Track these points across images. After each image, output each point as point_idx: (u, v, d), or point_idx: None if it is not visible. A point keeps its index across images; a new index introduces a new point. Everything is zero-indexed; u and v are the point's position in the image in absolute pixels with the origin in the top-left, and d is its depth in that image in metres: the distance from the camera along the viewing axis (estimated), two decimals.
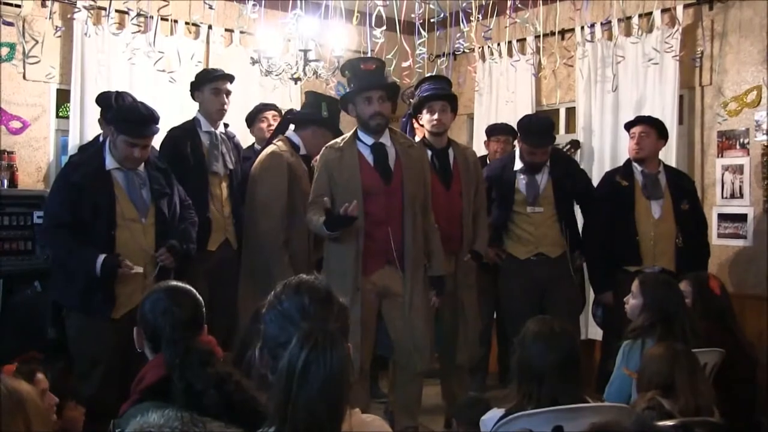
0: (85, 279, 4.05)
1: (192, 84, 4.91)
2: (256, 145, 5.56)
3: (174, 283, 2.69)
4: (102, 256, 3.99)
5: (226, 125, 5.01)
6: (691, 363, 2.94)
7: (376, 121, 4.31)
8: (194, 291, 2.64)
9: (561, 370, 2.61)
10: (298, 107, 6.26)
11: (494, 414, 2.71)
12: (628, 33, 5.93)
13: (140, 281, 4.09)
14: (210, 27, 6.19)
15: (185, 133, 4.75)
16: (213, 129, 4.81)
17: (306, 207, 4.41)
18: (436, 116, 4.82)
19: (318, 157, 4.46)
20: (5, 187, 5.17)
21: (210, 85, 4.80)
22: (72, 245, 4.08)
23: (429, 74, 5.66)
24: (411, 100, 5.31)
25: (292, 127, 4.90)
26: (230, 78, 4.89)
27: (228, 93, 4.84)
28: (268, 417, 1.74)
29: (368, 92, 4.31)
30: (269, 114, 5.58)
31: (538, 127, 5.02)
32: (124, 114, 4.22)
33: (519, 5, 6.02)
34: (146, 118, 4.15)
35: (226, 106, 4.83)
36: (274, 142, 4.84)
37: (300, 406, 1.60)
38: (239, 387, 2.15)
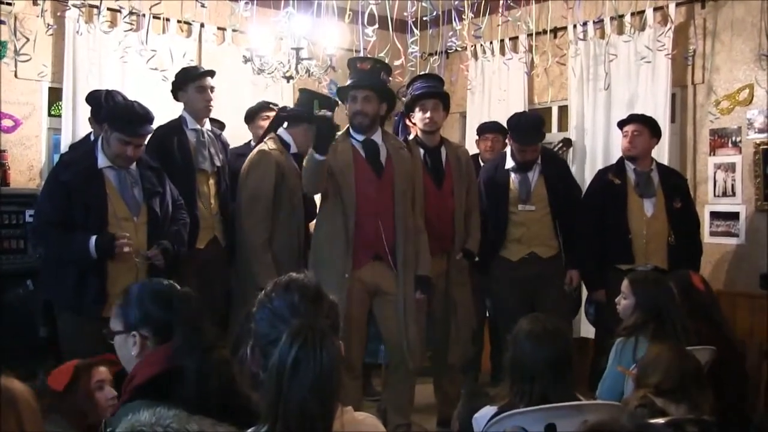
0: (77, 271, 4.04)
1: (174, 84, 4.88)
2: (252, 143, 5.54)
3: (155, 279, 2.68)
4: (93, 237, 3.99)
5: (223, 125, 4.99)
6: (698, 367, 2.96)
7: (357, 120, 4.42)
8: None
9: (553, 368, 2.62)
10: (290, 106, 6.26)
11: (487, 412, 2.71)
12: (620, 31, 5.94)
13: (131, 280, 4.08)
14: (202, 25, 6.18)
15: (171, 131, 4.72)
16: (199, 126, 4.78)
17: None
18: (428, 114, 4.83)
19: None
20: None
21: (194, 83, 4.76)
22: (63, 237, 4.06)
23: (421, 72, 5.66)
24: (403, 98, 5.32)
25: (284, 125, 4.92)
26: (212, 73, 4.88)
27: (212, 89, 4.83)
28: (259, 414, 1.74)
29: (354, 91, 4.41)
30: (272, 114, 5.54)
31: (527, 125, 5.04)
32: (119, 112, 4.22)
33: (511, 3, 6.02)
34: (141, 117, 4.15)
35: (212, 103, 4.82)
36: (264, 140, 4.85)
37: (291, 403, 1.60)
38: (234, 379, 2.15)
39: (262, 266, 4.50)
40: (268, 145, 4.77)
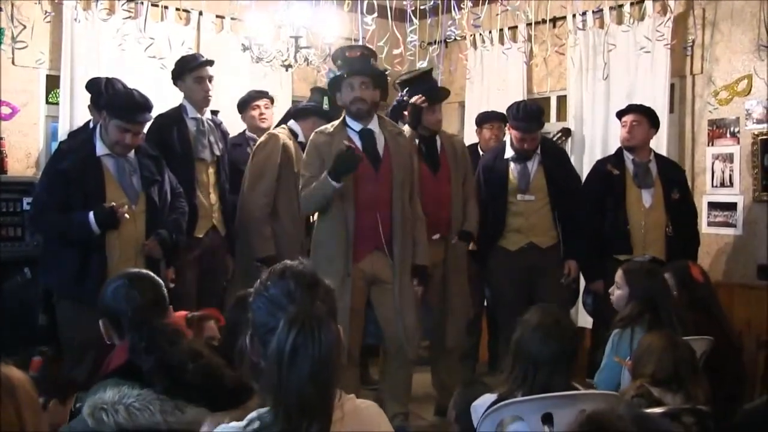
0: (78, 259, 4.06)
1: (173, 73, 4.88)
2: (247, 132, 5.54)
3: (132, 270, 2.70)
4: (91, 212, 4.00)
5: (215, 112, 5.00)
6: (691, 355, 2.97)
7: (356, 106, 4.38)
8: (153, 275, 2.65)
9: (558, 361, 2.62)
10: (289, 94, 6.30)
11: (486, 400, 2.72)
12: (619, 21, 5.93)
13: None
14: (201, 13, 6.15)
15: (171, 120, 4.73)
16: (199, 115, 4.79)
17: (299, 191, 4.46)
18: (439, 117, 4.95)
19: (308, 142, 4.50)
20: None
21: (192, 74, 4.77)
22: (61, 218, 4.08)
23: (418, 68, 5.69)
24: (404, 97, 5.33)
25: None
26: (211, 63, 4.87)
27: (211, 78, 4.82)
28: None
29: (350, 78, 4.37)
30: (262, 102, 5.56)
31: (527, 113, 5.04)
32: (119, 99, 4.23)
33: None
34: (141, 105, 4.17)
35: (210, 93, 4.82)
36: (274, 129, 5.06)
37: (290, 389, 1.61)
38: (211, 363, 2.17)
39: (259, 238, 4.70)
40: (278, 130, 4.98)
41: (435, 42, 6.67)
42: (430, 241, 4.73)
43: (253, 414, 1.70)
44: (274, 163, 4.79)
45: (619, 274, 3.73)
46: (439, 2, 5.95)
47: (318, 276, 1.87)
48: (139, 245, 4.18)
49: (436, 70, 6.32)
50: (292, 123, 5.05)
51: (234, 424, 1.73)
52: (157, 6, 5.88)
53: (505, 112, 5.39)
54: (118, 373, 2.19)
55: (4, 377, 1.82)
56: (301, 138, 4.92)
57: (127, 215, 4.06)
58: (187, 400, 2.08)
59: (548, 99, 6.65)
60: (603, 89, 5.99)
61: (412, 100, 4.83)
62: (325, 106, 4.94)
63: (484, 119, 5.97)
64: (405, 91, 4.96)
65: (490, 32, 6.75)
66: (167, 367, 2.13)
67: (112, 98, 4.29)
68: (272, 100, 5.65)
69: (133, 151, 4.24)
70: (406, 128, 4.83)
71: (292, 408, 1.61)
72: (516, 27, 6.59)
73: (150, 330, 2.25)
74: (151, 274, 2.67)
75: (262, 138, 4.97)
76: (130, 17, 5.72)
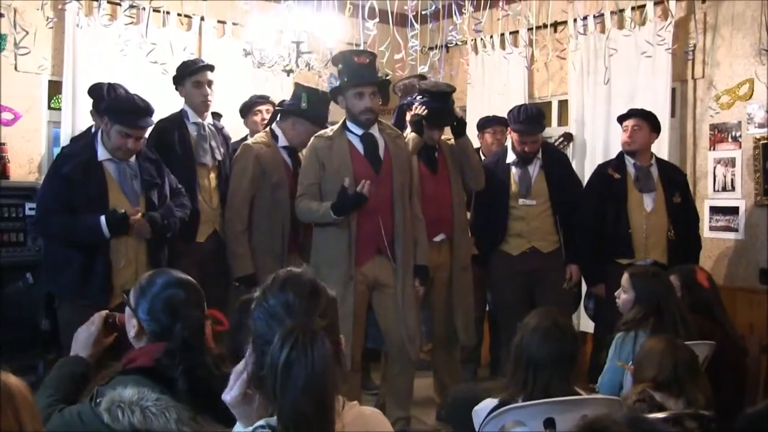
0: (81, 262, 4.06)
1: (174, 78, 4.89)
2: (249, 138, 5.55)
3: (182, 276, 2.60)
4: (102, 217, 4.01)
5: (219, 115, 5.00)
6: (692, 358, 2.97)
7: (366, 116, 4.38)
8: (197, 284, 2.60)
9: (558, 363, 2.62)
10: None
11: (487, 405, 2.72)
12: (620, 26, 5.93)
13: (134, 272, 4.08)
14: (202, 18, 6.17)
15: (172, 124, 4.74)
16: (200, 120, 4.79)
17: (296, 197, 4.47)
18: (435, 135, 4.87)
19: (306, 147, 4.49)
20: None
21: (190, 78, 4.78)
22: (68, 220, 4.08)
23: (422, 68, 5.68)
24: (400, 93, 5.29)
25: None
26: (210, 68, 4.88)
27: (210, 83, 4.82)
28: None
29: (360, 87, 4.35)
30: (263, 108, 5.57)
31: (527, 116, 5.05)
32: (120, 104, 4.24)
33: None
34: (142, 110, 4.18)
35: (210, 97, 4.81)
36: (257, 133, 4.99)
37: (285, 405, 1.60)
38: None
39: (235, 257, 4.64)
40: (255, 138, 4.87)
41: (436, 47, 6.67)
42: (434, 242, 4.73)
43: (261, 422, 1.68)
44: (248, 178, 4.69)
45: (625, 278, 3.74)
46: (441, 7, 5.95)
47: (320, 286, 1.83)
48: (141, 249, 4.19)
49: (437, 75, 6.34)
50: (274, 125, 4.94)
51: (240, 428, 1.72)
52: (158, 11, 5.89)
53: (506, 116, 5.39)
54: (142, 372, 2.18)
55: (3, 384, 1.82)
56: (282, 141, 4.84)
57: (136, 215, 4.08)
58: (214, 419, 2.07)
59: (549, 103, 6.65)
60: (604, 94, 5.98)
61: (414, 108, 4.80)
62: (303, 105, 4.79)
63: (486, 124, 5.96)
64: (416, 96, 4.92)
65: (491, 37, 6.76)
66: (207, 390, 2.10)
67: (114, 103, 4.30)
68: (274, 105, 5.65)
69: (134, 155, 4.25)
70: (412, 134, 4.82)
71: (289, 423, 1.60)
72: (517, 32, 6.60)
73: (199, 357, 2.21)
74: (196, 284, 2.59)
75: (238, 151, 4.85)
76: (132, 23, 5.74)
